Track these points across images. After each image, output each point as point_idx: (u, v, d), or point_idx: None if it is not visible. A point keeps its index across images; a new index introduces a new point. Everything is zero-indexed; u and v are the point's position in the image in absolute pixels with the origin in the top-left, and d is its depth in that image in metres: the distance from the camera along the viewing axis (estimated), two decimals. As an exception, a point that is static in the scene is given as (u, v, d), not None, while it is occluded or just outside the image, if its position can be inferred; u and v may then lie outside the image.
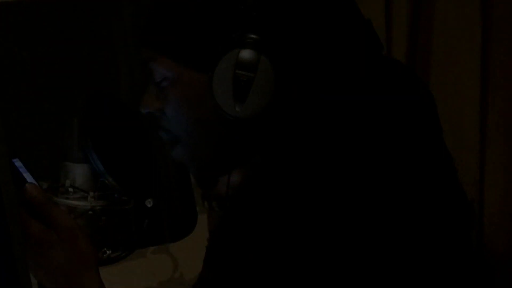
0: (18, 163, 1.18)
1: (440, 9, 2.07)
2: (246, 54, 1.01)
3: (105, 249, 1.30)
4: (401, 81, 1.10)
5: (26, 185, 1.15)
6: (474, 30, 2.07)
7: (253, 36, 1.01)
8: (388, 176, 1.00)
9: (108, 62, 1.55)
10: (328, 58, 1.05)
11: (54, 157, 1.42)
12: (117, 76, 1.55)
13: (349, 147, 1.01)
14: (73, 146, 1.29)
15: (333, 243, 0.96)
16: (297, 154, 1.03)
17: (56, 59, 1.52)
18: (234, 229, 1.04)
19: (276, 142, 1.05)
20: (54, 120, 1.51)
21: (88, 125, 1.28)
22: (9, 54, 1.50)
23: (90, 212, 1.29)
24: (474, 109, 2.09)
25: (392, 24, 2.07)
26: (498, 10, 2.07)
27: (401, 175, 1.01)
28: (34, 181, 1.18)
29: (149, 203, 1.35)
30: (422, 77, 1.11)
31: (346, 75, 1.05)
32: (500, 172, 2.11)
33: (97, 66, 1.54)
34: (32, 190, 1.13)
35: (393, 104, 1.06)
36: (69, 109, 1.49)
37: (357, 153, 1.01)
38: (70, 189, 1.27)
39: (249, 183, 1.07)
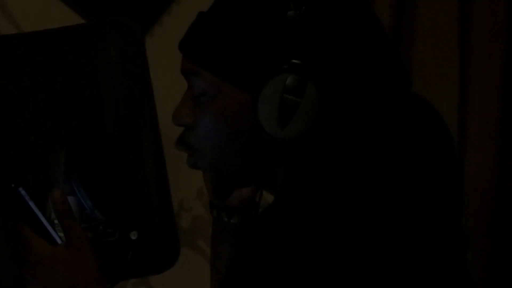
0: (22, 192, 1.20)
1: (420, 15, 2.11)
2: (294, 79, 1.06)
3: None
4: (425, 116, 1.15)
5: (54, 189, 1.17)
6: (452, 30, 2.11)
7: (302, 62, 1.06)
8: (409, 203, 1.04)
9: (94, 94, 1.56)
10: (369, 88, 1.10)
11: (40, 189, 1.43)
12: (103, 108, 1.56)
13: (379, 170, 1.05)
14: (59, 178, 1.30)
15: (349, 263, 0.99)
16: (327, 176, 1.06)
17: (43, 91, 1.53)
18: (257, 248, 1.06)
19: (308, 163, 1.08)
20: (40, 152, 1.51)
21: (74, 157, 1.29)
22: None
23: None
24: (452, 109, 2.13)
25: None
26: (475, 13, 2.12)
27: (426, 207, 1.05)
28: (38, 210, 1.20)
29: (133, 235, 1.35)
30: None
31: (383, 100, 1.09)
32: (478, 169, 2.15)
33: (84, 98, 1.56)
34: (59, 197, 1.16)
35: (414, 136, 1.09)
36: (55, 142, 1.50)
37: (387, 183, 1.05)
38: (56, 221, 1.27)
39: (279, 200, 1.10)
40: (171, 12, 2.05)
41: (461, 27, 2.15)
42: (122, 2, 2.00)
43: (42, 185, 1.42)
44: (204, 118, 1.13)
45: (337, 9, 1.10)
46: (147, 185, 1.57)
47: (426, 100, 1.17)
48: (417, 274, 1.03)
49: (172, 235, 1.60)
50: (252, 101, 1.07)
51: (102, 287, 1.19)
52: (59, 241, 1.21)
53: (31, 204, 1.22)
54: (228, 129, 1.12)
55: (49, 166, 1.33)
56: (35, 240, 1.19)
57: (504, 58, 2.17)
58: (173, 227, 1.61)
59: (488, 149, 2.19)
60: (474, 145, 2.18)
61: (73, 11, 1.99)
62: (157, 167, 1.58)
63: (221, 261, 1.37)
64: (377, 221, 1.02)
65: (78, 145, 1.31)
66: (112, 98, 1.56)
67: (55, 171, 1.31)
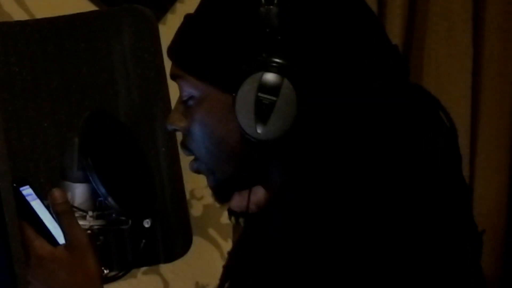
0: (27, 190, 1.19)
1: (433, 11, 2.11)
2: (269, 77, 1.03)
3: (102, 268, 1.30)
4: (426, 108, 1.11)
5: (53, 189, 1.17)
6: (465, 30, 2.10)
7: (277, 59, 1.03)
8: (408, 202, 1.02)
9: (108, 82, 1.56)
10: (351, 82, 1.06)
11: (52, 176, 1.43)
12: (116, 96, 1.56)
13: (368, 170, 1.03)
14: (72, 166, 1.30)
15: (349, 265, 0.98)
16: (317, 176, 1.04)
17: (56, 78, 1.54)
18: (251, 246, 1.05)
19: (296, 164, 1.06)
20: (53, 139, 1.52)
21: (88, 145, 1.28)
22: (9, 74, 1.51)
23: (88, 232, 1.29)
24: (465, 112, 2.12)
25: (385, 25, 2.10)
26: (488, 10, 2.11)
27: (422, 203, 1.03)
28: (44, 208, 1.19)
29: (147, 224, 1.35)
30: (415, 77, 1.13)
31: (368, 99, 1.06)
32: (490, 171, 2.14)
33: (97, 86, 1.56)
34: (58, 197, 1.15)
35: (416, 131, 1.08)
36: (68, 129, 1.50)
37: (376, 176, 1.03)
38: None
39: (269, 202, 1.09)
40: (184, 0, 2.05)
41: (474, 25, 2.14)
42: (135, -10, 1.99)
43: (54, 172, 1.42)
44: (194, 123, 1.12)
45: (313, 2, 1.07)
46: (160, 173, 1.57)
47: (425, 90, 1.14)
48: (419, 277, 1.01)
49: (185, 224, 1.60)
50: (232, 102, 1.06)
51: None
52: (61, 242, 1.21)
53: (34, 203, 1.22)
54: (217, 132, 1.11)
55: (62, 153, 1.32)
56: (36, 241, 1.18)
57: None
58: (185, 216, 1.61)
59: (501, 148, 2.18)
60: (486, 143, 2.17)
61: (86, -1, 1.99)
62: (170, 155, 1.58)
63: None
64: (370, 220, 1.00)
65: (91, 132, 1.30)
66: (125, 85, 1.56)
67: (68, 159, 1.31)
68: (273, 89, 1.03)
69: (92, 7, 1.99)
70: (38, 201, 1.23)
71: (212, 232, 2.19)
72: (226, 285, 1.10)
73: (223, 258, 2.19)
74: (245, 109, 1.04)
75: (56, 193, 1.19)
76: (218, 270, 2.23)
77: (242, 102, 1.04)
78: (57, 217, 1.19)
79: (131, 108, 1.56)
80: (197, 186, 2.15)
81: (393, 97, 1.09)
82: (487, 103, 2.17)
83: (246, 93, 1.04)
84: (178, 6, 2.05)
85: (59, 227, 1.21)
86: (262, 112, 1.03)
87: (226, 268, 1.13)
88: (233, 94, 1.05)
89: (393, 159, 1.05)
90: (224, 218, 2.19)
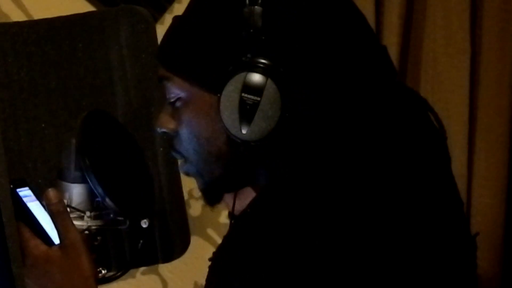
0: (25, 192, 1.20)
1: (430, 10, 2.11)
2: (253, 77, 1.03)
3: (100, 268, 1.30)
4: (412, 109, 1.11)
5: (48, 190, 1.17)
6: (463, 29, 2.10)
7: (260, 59, 1.03)
8: (393, 205, 1.02)
9: (105, 82, 1.56)
10: (336, 82, 1.06)
11: (50, 176, 1.43)
12: (114, 96, 1.56)
13: (353, 171, 1.03)
14: (70, 166, 1.30)
15: (334, 268, 0.98)
16: (302, 176, 1.04)
17: (53, 79, 1.53)
18: (236, 247, 1.05)
19: (281, 164, 1.06)
20: (51, 140, 1.52)
21: (85, 145, 1.28)
22: (7, 74, 1.51)
23: (86, 232, 1.30)
24: (463, 110, 2.12)
25: (383, 28, 2.10)
26: (486, 9, 2.11)
27: (408, 206, 1.02)
28: (43, 209, 1.20)
29: (144, 224, 1.36)
30: (412, 79, 1.12)
31: (355, 100, 1.06)
32: (488, 170, 2.14)
33: (95, 86, 1.55)
34: (53, 197, 1.16)
35: (402, 131, 1.07)
36: (66, 129, 1.50)
37: (360, 177, 1.02)
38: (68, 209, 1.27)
39: (255, 202, 1.09)
40: (181, 0, 2.05)
41: (472, 24, 2.14)
42: (133, -10, 1.99)
43: (52, 173, 1.42)
44: (182, 124, 1.12)
45: (297, 2, 1.07)
46: (158, 173, 1.57)
47: (411, 90, 1.15)
48: (409, 279, 1.01)
49: (183, 224, 1.60)
50: (217, 103, 1.06)
51: None
52: (56, 242, 1.21)
53: (32, 204, 1.22)
54: (203, 133, 1.11)
55: (60, 153, 1.33)
56: (31, 241, 1.19)
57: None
58: (184, 216, 1.61)
59: (499, 147, 2.18)
60: (484, 142, 2.17)
61: (83, -1, 1.99)
62: (167, 155, 1.58)
63: None
64: (355, 220, 0.99)
65: (89, 132, 1.31)
66: (123, 86, 1.56)
67: (66, 159, 1.31)
68: (257, 89, 1.03)
69: (89, 8, 1.99)
70: (37, 202, 1.24)
71: (210, 232, 2.19)
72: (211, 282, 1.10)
73: (222, 258, 2.20)
74: (229, 109, 1.04)
75: (51, 193, 1.20)
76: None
77: (226, 103, 1.04)
78: (52, 217, 1.19)
79: (129, 108, 1.56)
80: (195, 186, 2.14)
81: (379, 97, 1.08)
82: (485, 102, 2.17)
83: (230, 93, 1.04)
84: (176, 6, 2.05)
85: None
86: (246, 113, 1.03)
87: (211, 266, 1.13)
88: (218, 95, 1.04)
89: (378, 159, 1.04)
90: (223, 218, 2.19)
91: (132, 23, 1.56)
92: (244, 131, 1.04)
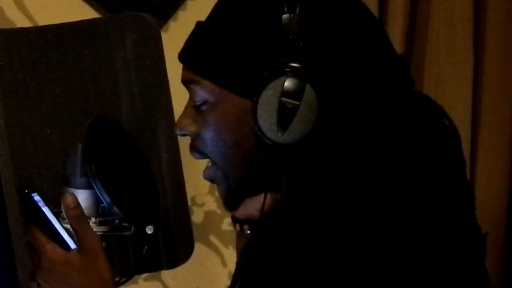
0: (36, 197, 1.20)
1: (433, 19, 2.11)
2: (292, 82, 1.05)
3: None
4: (429, 115, 1.13)
5: (66, 195, 1.18)
6: (466, 38, 2.11)
7: (297, 65, 1.05)
8: (416, 208, 1.03)
9: (110, 88, 1.57)
10: (364, 89, 1.08)
11: (55, 182, 1.43)
12: (119, 102, 1.57)
13: (379, 177, 1.04)
14: (75, 172, 1.30)
15: (355, 268, 0.99)
16: (329, 181, 1.05)
17: (59, 85, 1.54)
18: (262, 251, 1.06)
19: (309, 168, 1.07)
20: (56, 146, 1.52)
21: (91, 151, 1.28)
22: (12, 80, 1.51)
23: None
24: (466, 119, 2.13)
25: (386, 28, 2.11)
26: (489, 18, 2.11)
27: (427, 211, 1.04)
28: (52, 215, 1.20)
29: (149, 230, 1.35)
30: (415, 87, 1.14)
31: (380, 107, 1.09)
32: (490, 179, 2.14)
33: (100, 92, 1.56)
34: (71, 202, 1.17)
35: (422, 137, 1.09)
36: (71, 135, 1.51)
37: (386, 182, 1.04)
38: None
39: (281, 207, 1.10)
40: (186, 7, 2.05)
41: (475, 33, 2.15)
42: (137, -3, 2.00)
43: (57, 179, 1.43)
44: (208, 127, 1.13)
45: (333, 10, 1.09)
46: (162, 179, 1.57)
47: (429, 98, 1.17)
48: (430, 280, 1.02)
49: (187, 230, 1.60)
50: (252, 107, 1.07)
51: None
52: (72, 246, 1.22)
53: (45, 209, 1.23)
54: (232, 137, 1.12)
55: (65, 159, 1.33)
56: (48, 245, 1.20)
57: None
58: (187, 222, 1.61)
59: (501, 155, 2.19)
60: (486, 151, 2.18)
61: (89, 6, 1.99)
62: (172, 161, 1.58)
63: None
64: (383, 225, 1.01)
65: (94, 139, 1.31)
66: (128, 92, 1.56)
67: (71, 165, 1.31)
68: (296, 94, 1.05)
69: (95, 14, 2.00)
70: (46, 208, 1.24)
71: (213, 238, 2.20)
72: (239, 282, 1.10)
73: (224, 264, 2.20)
74: (267, 113, 1.06)
75: (69, 198, 1.21)
76: (219, 277, 2.24)
77: (265, 107, 1.06)
78: (70, 221, 1.20)
79: (134, 114, 1.56)
80: (198, 193, 2.15)
81: (404, 104, 1.11)
82: (488, 110, 2.18)
83: (269, 97, 1.06)
84: (180, 13, 2.06)
85: (67, 232, 1.22)
86: (285, 116, 1.05)
87: (238, 265, 1.13)
88: (253, 99, 1.06)
89: (403, 165, 1.06)
90: (225, 225, 2.20)
91: (138, 30, 1.57)
92: (280, 135, 1.06)
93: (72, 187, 1.30)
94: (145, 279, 2.13)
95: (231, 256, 2.19)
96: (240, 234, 1.39)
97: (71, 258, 1.19)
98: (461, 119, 2.14)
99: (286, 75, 1.05)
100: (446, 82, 2.15)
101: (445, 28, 2.14)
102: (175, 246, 1.58)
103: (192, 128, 1.15)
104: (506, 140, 2.19)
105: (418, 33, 2.17)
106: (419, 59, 2.17)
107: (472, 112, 2.17)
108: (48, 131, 1.52)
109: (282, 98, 1.05)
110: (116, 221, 1.31)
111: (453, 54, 2.15)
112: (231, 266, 2.19)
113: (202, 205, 2.18)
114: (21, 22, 1.95)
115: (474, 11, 2.15)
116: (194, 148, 1.17)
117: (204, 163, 1.22)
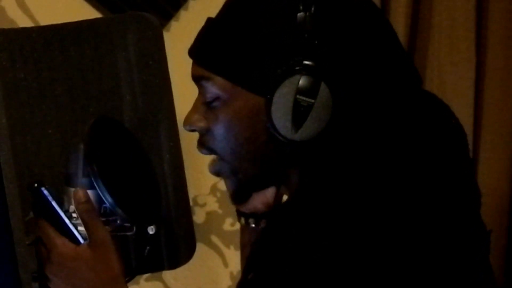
0: (46, 191, 1.21)
1: (435, 20, 2.11)
2: (307, 80, 1.06)
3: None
4: (437, 113, 1.14)
5: (77, 189, 1.19)
6: (468, 38, 2.11)
7: (312, 63, 1.06)
8: (420, 206, 1.04)
9: (113, 88, 1.57)
10: (376, 87, 1.10)
11: (57, 182, 1.43)
12: (121, 102, 1.57)
13: (389, 174, 1.05)
14: (77, 172, 1.30)
15: (363, 264, 0.99)
16: (340, 177, 1.06)
17: (61, 85, 1.54)
18: (273, 245, 1.06)
19: (322, 165, 1.08)
20: (58, 146, 1.52)
21: (93, 151, 1.28)
22: (14, 80, 1.51)
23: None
24: (468, 120, 2.13)
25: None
26: (492, 19, 2.11)
27: (433, 208, 1.05)
28: (59, 209, 1.21)
29: (151, 230, 1.36)
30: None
31: (390, 104, 1.10)
32: (492, 180, 2.14)
33: (102, 92, 1.56)
34: (82, 197, 1.17)
35: (429, 135, 1.10)
36: (73, 135, 1.51)
37: (395, 180, 1.05)
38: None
39: (293, 202, 1.10)
40: (188, 7, 2.05)
41: (477, 33, 2.15)
42: (139, -3, 2.00)
43: (59, 178, 1.43)
44: (219, 123, 1.13)
45: (346, 9, 1.10)
46: (164, 180, 1.57)
47: (437, 97, 1.18)
48: (436, 279, 1.03)
49: (189, 230, 1.60)
50: (266, 104, 1.07)
51: (124, 286, 1.20)
52: (82, 241, 1.22)
53: (54, 203, 1.23)
54: (243, 133, 1.12)
55: (67, 160, 1.33)
56: (58, 239, 1.20)
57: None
58: (189, 222, 1.61)
59: (503, 156, 2.19)
60: (488, 152, 2.18)
61: (91, 6, 1.99)
62: (174, 161, 1.58)
63: None
64: (393, 224, 1.02)
65: (96, 139, 1.31)
66: (130, 92, 1.56)
67: (73, 165, 1.31)
68: (311, 92, 1.06)
69: (97, 14, 2.00)
70: (55, 202, 1.24)
71: (214, 239, 2.20)
72: (249, 276, 1.11)
73: (226, 265, 2.20)
74: (282, 110, 1.06)
75: (80, 192, 1.22)
76: (221, 277, 2.24)
77: (279, 104, 1.06)
78: (81, 216, 1.21)
79: (136, 114, 1.56)
80: (200, 193, 2.15)
81: (412, 102, 1.12)
82: (490, 110, 2.18)
83: (284, 95, 1.06)
84: (182, 13, 2.06)
85: (77, 227, 1.23)
86: (299, 114, 1.06)
87: (249, 260, 1.14)
88: (267, 96, 1.06)
89: (411, 163, 1.07)
90: (227, 225, 2.20)
91: (140, 30, 1.57)
92: (294, 132, 1.06)
93: (74, 187, 1.30)
94: (147, 280, 2.13)
95: (233, 256, 2.19)
96: (244, 228, 1.39)
97: (81, 253, 1.19)
98: (463, 119, 2.11)
99: (301, 73, 1.06)
100: (448, 82, 2.15)
101: (447, 28, 2.14)
102: (177, 247, 1.57)
103: (202, 124, 1.16)
104: (508, 140, 2.19)
105: (420, 33, 2.17)
106: (421, 59, 2.17)
107: (474, 112, 2.17)
108: (50, 131, 1.52)
109: (297, 96, 1.06)
110: (118, 222, 1.31)
111: (455, 54, 2.15)
112: (233, 266, 2.19)
113: (204, 205, 2.18)
114: (23, 22, 1.95)
115: (476, 11, 2.14)
116: (203, 144, 1.17)
117: (206, 163, 1.22)
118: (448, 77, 2.15)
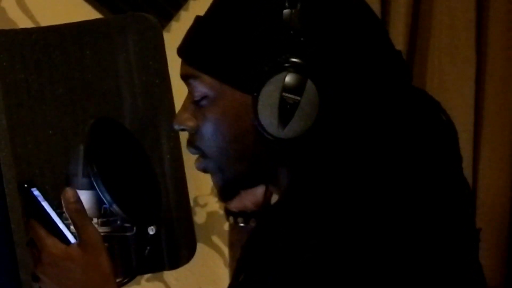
0: (36, 192, 1.20)
1: (436, 20, 2.11)
2: (293, 77, 1.05)
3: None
4: (426, 110, 1.14)
5: (66, 189, 1.18)
6: (469, 38, 2.11)
7: (298, 60, 1.05)
8: (409, 204, 1.04)
9: (113, 89, 1.57)
10: (363, 84, 1.09)
11: (57, 183, 1.43)
12: (121, 103, 1.57)
13: (377, 171, 1.05)
14: (78, 173, 1.30)
15: (354, 262, 0.99)
16: (328, 175, 1.06)
17: (61, 85, 1.54)
18: (264, 246, 1.06)
19: (310, 163, 1.08)
20: (58, 146, 1.52)
21: (93, 152, 1.28)
22: (15, 81, 1.51)
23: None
24: (468, 119, 2.13)
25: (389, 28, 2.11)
26: (491, 18, 2.11)
27: (422, 204, 1.05)
28: (52, 210, 1.20)
29: (151, 230, 1.36)
30: (418, 87, 1.15)
31: (378, 101, 1.09)
32: (493, 179, 2.14)
33: (102, 93, 1.56)
34: (71, 196, 1.17)
35: (418, 132, 1.10)
36: (74, 136, 1.51)
37: (384, 177, 1.05)
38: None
39: (282, 201, 1.10)
40: (188, 7, 2.05)
41: (477, 33, 2.15)
42: (140, -3, 2.00)
43: (59, 179, 1.43)
44: (207, 122, 1.13)
45: (333, 6, 1.10)
46: (165, 180, 1.57)
47: (427, 93, 1.17)
48: (425, 277, 1.03)
49: (189, 231, 1.60)
50: (253, 102, 1.07)
51: (114, 287, 1.20)
52: (72, 240, 1.22)
53: (45, 204, 1.23)
54: (231, 131, 1.12)
55: (67, 160, 1.33)
56: (48, 240, 1.19)
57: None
58: (190, 223, 1.61)
59: (503, 156, 2.19)
60: (489, 151, 2.18)
61: (91, 6, 1.99)
62: (174, 162, 1.59)
63: None
64: (382, 222, 1.02)
65: (97, 139, 1.31)
66: (130, 92, 1.57)
67: (73, 166, 1.31)
68: (297, 89, 1.05)
69: (97, 15, 2.00)
70: (46, 203, 1.24)
71: (215, 239, 2.20)
72: (240, 278, 1.10)
73: (226, 265, 2.20)
74: (268, 108, 1.06)
75: (70, 192, 1.21)
76: (221, 277, 2.23)
77: (265, 102, 1.06)
78: (70, 216, 1.20)
79: (136, 115, 1.57)
80: (200, 194, 2.15)
81: (402, 99, 1.12)
82: (490, 110, 2.18)
83: (270, 92, 1.06)
84: (182, 13, 2.06)
85: (68, 227, 1.22)
86: (286, 112, 1.06)
87: (239, 261, 1.14)
88: (254, 94, 1.06)
89: (400, 160, 1.07)
90: (227, 225, 2.20)
91: (140, 30, 1.57)
92: (280, 130, 1.06)
93: (74, 188, 1.30)
94: (148, 280, 2.13)
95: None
96: (233, 227, 1.39)
97: (71, 252, 1.19)
98: (463, 119, 2.14)
99: (287, 70, 1.05)
100: (449, 81, 2.15)
101: (447, 28, 2.14)
102: (178, 247, 1.58)
103: (191, 123, 1.15)
104: (509, 139, 2.19)
105: (421, 33, 2.17)
106: (422, 59, 2.17)
107: (474, 112, 2.17)
108: (50, 131, 1.53)
109: (283, 94, 1.05)
110: (118, 222, 1.31)
111: (455, 54, 2.15)
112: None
113: (205, 205, 2.18)
114: (23, 22, 1.95)
115: (476, 12, 2.15)
116: (191, 144, 1.17)
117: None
118: (448, 77, 2.15)
